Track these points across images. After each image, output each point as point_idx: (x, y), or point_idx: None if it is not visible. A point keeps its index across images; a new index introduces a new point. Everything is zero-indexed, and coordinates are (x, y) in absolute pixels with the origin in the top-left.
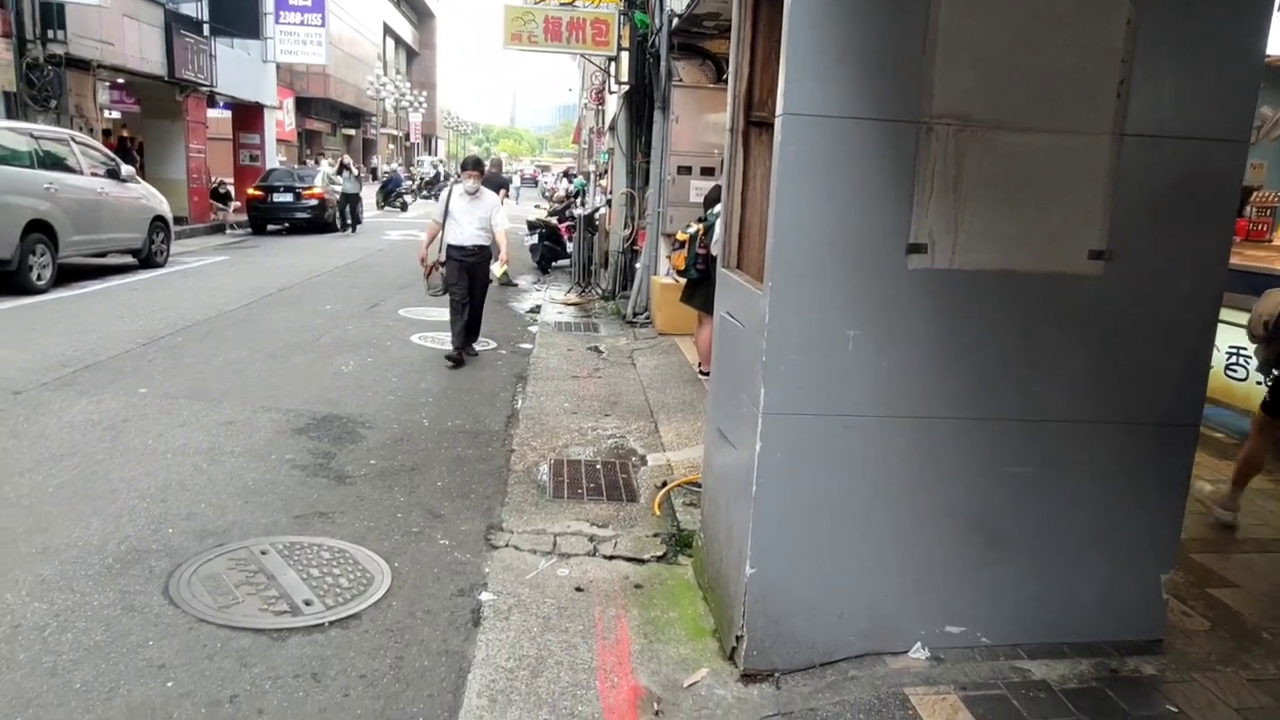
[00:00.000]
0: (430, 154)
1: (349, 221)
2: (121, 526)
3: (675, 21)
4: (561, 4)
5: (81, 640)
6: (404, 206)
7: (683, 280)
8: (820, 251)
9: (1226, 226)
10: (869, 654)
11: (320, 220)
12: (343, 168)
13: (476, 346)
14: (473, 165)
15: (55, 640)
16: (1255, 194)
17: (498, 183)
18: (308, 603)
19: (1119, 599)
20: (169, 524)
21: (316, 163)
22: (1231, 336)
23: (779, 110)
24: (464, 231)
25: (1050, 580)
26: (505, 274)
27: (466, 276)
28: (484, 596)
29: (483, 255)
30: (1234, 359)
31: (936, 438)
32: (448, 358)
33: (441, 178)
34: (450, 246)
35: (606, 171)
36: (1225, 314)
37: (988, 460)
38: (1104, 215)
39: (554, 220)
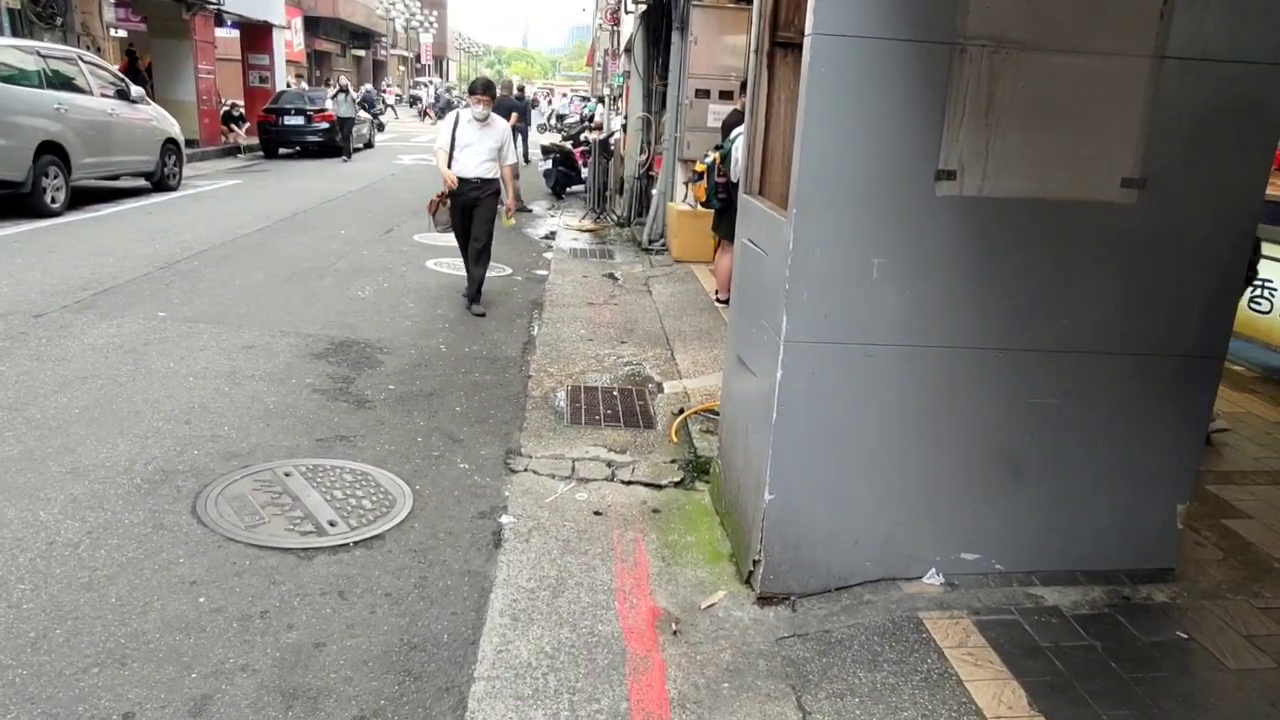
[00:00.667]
0: (440, 77)
1: (354, 147)
2: (148, 447)
3: None
4: None
5: (114, 557)
6: (380, 127)
7: (703, 209)
8: (846, 178)
9: (1265, 156)
10: (884, 579)
11: (333, 144)
12: (340, 90)
13: (481, 302)
14: (482, 89)
15: (89, 557)
16: None
17: (508, 107)
18: (332, 523)
19: (1135, 529)
20: (194, 445)
21: (328, 84)
22: (1260, 270)
23: (808, 30)
24: (468, 162)
25: (1067, 509)
26: (513, 223)
27: (468, 213)
28: (504, 519)
29: (486, 189)
30: (1258, 291)
31: (960, 367)
32: (473, 313)
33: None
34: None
35: (621, 95)
36: None
37: (1012, 391)
38: (1139, 142)
39: (568, 145)
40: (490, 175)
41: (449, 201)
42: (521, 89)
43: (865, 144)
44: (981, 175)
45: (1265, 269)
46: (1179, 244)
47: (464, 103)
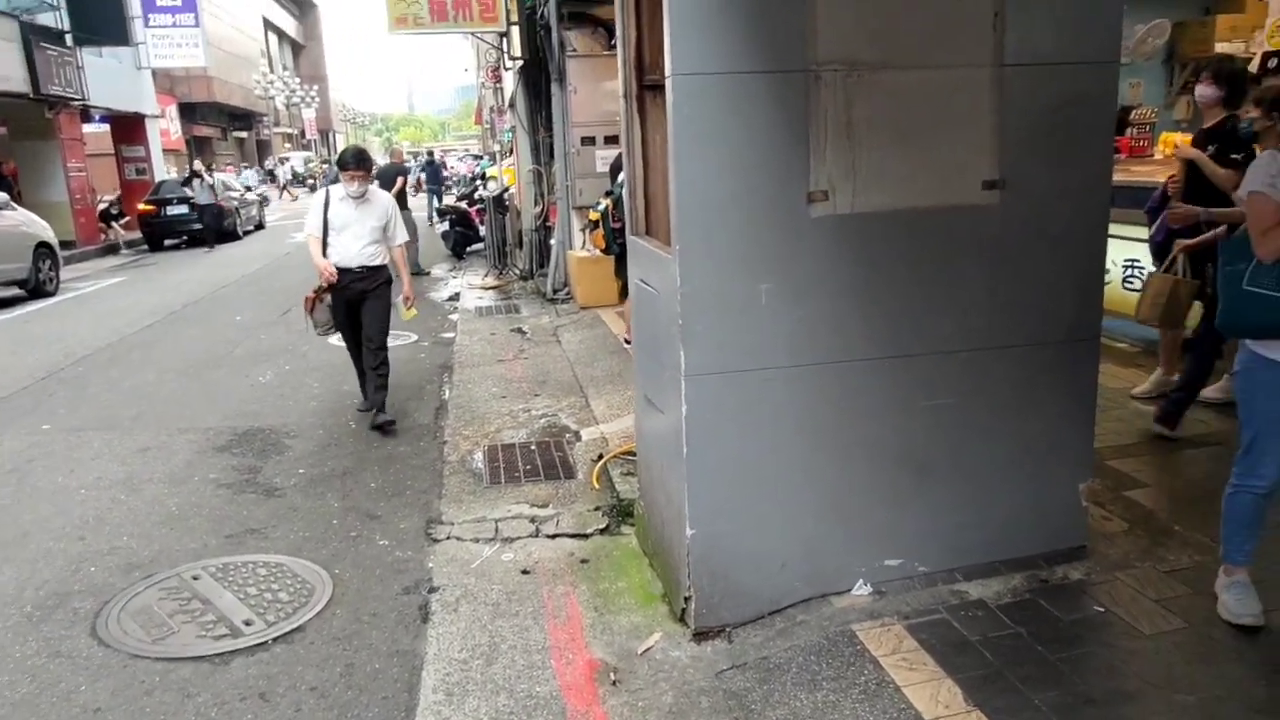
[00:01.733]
0: (326, 149)
1: (243, 229)
2: (37, 571)
3: None
4: None
5: (5, 695)
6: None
7: (602, 255)
8: (724, 210)
9: (1107, 146)
10: (815, 597)
11: (220, 229)
12: (193, 175)
13: (388, 409)
14: (354, 162)
15: None
16: (1134, 112)
17: (393, 174)
18: (248, 623)
19: (1044, 512)
20: (90, 561)
21: (210, 171)
22: (1126, 250)
23: (667, 72)
24: (348, 248)
25: (978, 503)
26: (414, 314)
27: (354, 311)
28: (430, 592)
29: (376, 278)
30: (1129, 272)
31: (856, 379)
32: (374, 426)
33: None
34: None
35: (511, 150)
36: (1117, 229)
37: (908, 396)
38: (993, 146)
39: (463, 205)
40: (377, 262)
41: (328, 297)
42: (431, 152)
43: (737, 175)
44: (852, 193)
45: (1128, 249)
46: (1043, 237)
47: (332, 177)
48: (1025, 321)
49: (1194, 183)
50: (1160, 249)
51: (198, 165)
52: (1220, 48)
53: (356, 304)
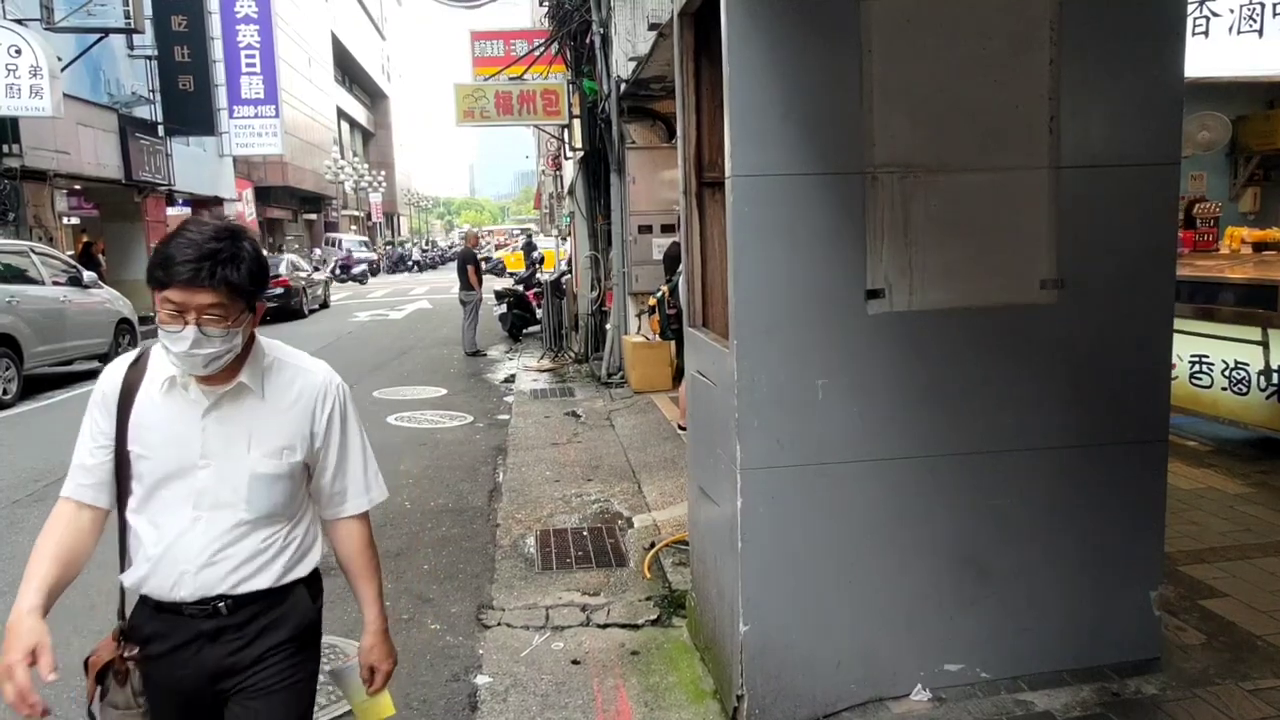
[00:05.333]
0: (384, 231)
1: (309, 309)
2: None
3: (623, 87)
4: (510, 78)
5: None
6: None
7: (657, 341)
8: (782, 305)
9: (1168, 245)
10: (871, 700)
11: (288, 307)
12: None
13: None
14: (189, 274)
15: None
16: (1198, 205)
17: (468, 260)
18: None
19: (1112, 620)
20: None
21: (280, 251)
22: (1193, 346)
23: (728, 172)
24: (180, 544)
25: (1042, 608)
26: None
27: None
28: (479, 679)
29: (269, 627)
30: (1196, 367)
31: (914, 477)
32: None
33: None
34: (146, 602)
35: (568, 235)
36: (1184, 324)
37: (966, 494)
38: (1051, 246)
39: (520, 288)
40: (268, 581)
41: (136, 675)
42: (530, 237)
43: (795, 271)
44: (909, 291)
45: (1194, 345)
46: (1104, 336)
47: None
48: (1089, 421)
49: None
50: None
51: None
52: None
53: (210, 700)
